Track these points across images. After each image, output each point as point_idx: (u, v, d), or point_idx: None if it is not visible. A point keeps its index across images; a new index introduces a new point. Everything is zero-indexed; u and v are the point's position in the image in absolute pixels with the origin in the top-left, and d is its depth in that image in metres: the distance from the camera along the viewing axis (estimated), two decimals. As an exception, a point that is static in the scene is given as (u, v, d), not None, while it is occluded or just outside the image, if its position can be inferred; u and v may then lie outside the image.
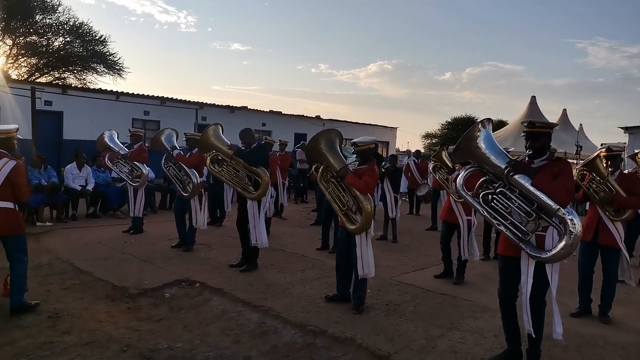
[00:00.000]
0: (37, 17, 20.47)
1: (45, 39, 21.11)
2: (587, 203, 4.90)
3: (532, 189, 3.18)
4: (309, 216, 10.63)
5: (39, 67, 21.25)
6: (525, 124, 3.47)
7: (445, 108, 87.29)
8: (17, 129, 4.49)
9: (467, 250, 5.80)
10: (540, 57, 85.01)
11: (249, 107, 20.21)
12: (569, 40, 79.48)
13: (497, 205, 3.37)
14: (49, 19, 20.78)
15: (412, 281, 5.76)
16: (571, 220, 3.09)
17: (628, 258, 4.87)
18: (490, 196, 3.39)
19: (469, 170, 3.57)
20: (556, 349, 3.81)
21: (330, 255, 6.68)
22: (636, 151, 6.52)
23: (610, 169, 4.65)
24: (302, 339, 4.01)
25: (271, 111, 21.47)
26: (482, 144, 3.39)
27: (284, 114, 21.88)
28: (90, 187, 9.17)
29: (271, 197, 6.99)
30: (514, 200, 3.29)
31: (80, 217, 9.02)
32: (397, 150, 26.80)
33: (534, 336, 3.36)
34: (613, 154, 4.68)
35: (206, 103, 18.48)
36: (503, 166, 3.29)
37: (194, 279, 5.43)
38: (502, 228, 3.35)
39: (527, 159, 3.46)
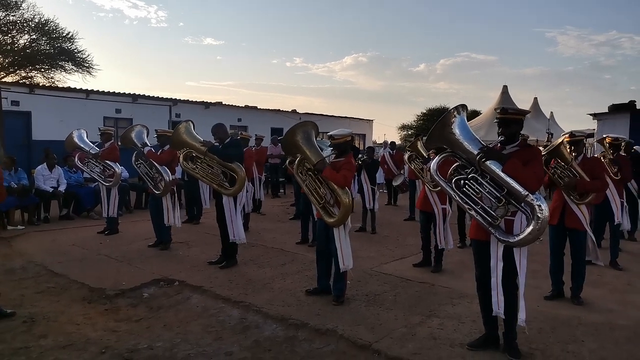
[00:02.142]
0: (0, 14, 19.78)
1: (10, 36, 20.29)
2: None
3: (502, 175, 3.26)
4: (287, 210, 10.62)
5: (4, 66, 20.43)
6: (498, 111, 3.55)
7: (420, 99, 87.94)
8: None
9: (443, 238, 5.89)
10: (512, 47, 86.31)
11: (224, 103, 20.03)
12: (539, 30, 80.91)
13: (469, 191, 3.44)
14: (12, 15, 19.97)
15: (391, 271, 5.82)
16: (539, 205, 3.19)
17: (594, 239, 5.05)
18: (462, 181, 3.47)
19: (443, 156, 3.63)
20: (532, 331, 3.90)
21: (310, 248, 6.70)
22: (604, 136, 6.73)
23: (573, 154, 4.78)
24: (284, 332, 4.02)
25: (247, 106, 21.32)
26: (456, 129, 3.44)
27: (260, 108, 21.76)
28: (62, 188, 8.95)
29: (247, 191, 6.95)
30: (485, 186, 3.37)
31: (53, 219, 8.81)
32: (374, 142, 26.95)
33: (503, 317, 3.46)
34: (576, 139, 4.82)
35: (180, 99, 18.25)
36: (476, 152, 3.35)
37: (173, 278, 5.38)
38: (472, 213, 3.43)
39: (499, 145, 3.53)
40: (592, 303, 4.73)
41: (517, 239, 3.30)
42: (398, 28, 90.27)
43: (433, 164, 3.67)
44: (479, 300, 3.71)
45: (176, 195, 6.99)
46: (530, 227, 3.23)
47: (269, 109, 22.11)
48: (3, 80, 18.50)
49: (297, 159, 4.77)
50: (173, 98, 18.01)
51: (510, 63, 79.85)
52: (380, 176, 10.79)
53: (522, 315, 3.44)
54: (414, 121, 35.54)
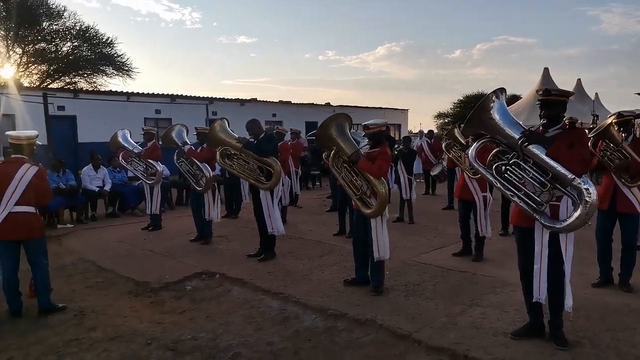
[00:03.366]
0: (44, 23, 20.67)
1: (54, 45, 21.31)
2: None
3: (546, 159, 3.13)
4: (324, 203, 10.64)
5: (49, 73, 21.46)
6: (541, 92, 3.42)
7: (457, 86, 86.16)
8: (37, 135, 4.58)
9: (484, 226, 5.75)
10: (552, 28, 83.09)
11: (258, 99, 20.23)
12: (581, 9, 77.41)
13: (511, 176, 3.33)
14: (55, 24, 20.96)
15: (430, 261, 5.74)
16: (587, 189, 3.05)
17: None
18: (503, 167, 3.36)
19: (482, 142, 3.53)
20: (580, 319, 3.78)
21: (348, 240, 6.68)
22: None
23: (623, 135, 4.55)
24: (323, 322, 4.04)
25: (281, 101, 21.46)
26: (495, 114, 3.33)
27: (294, 103, 21.86)
28: (107, 187, 9.28)
29: (282, 185, 7.00)
30: (528, 171, 3.26)
31: (100, 217, 9.17)
32: (410, 132, 26.58)
33: (543, 303, 3.36)
34: (625, 119, 4.56)
35: (216, 97, 18.54)
36: (517, 137, 3.24)
37: (214, 271, 5.49)
38: (515, 199, 3.33)
39: (541, 128, 3.41)
40: (643, 290, 4.51)
41: (564, 224, 3.17)
42: (431, 15, 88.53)
43: (471, 151, 3.58)
44: (523, 288, 3.61)
45: (217, 190, 7.14)
46: (578, 212, 3.09)
47: (302, 103, 22.17)
48: (49, 86, 19.38)
49: (332, 151, 4.77)
50: (209, 97, 18.34)
51: (551, 45, 76.96)
52: (417, 166, 10.64)
53: (569, 302, 3.33)
54: (451, 109, 34.96)
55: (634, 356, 3.24)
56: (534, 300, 3.39)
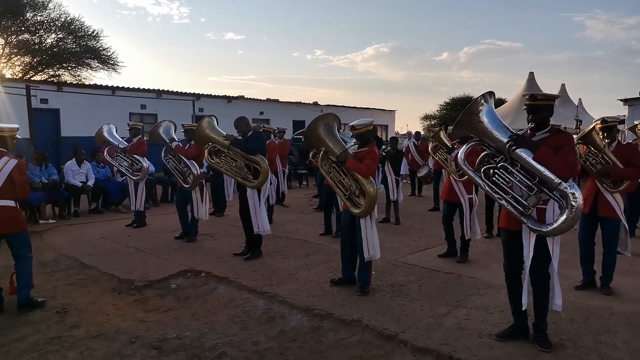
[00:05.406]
0: (28, 14, 20.24)
1: (38, 36, 20.88)
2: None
3: (534, 163, 3.16)
4: (310, 202, 10.64)
5: (32, 65, 21.03)
6: (527, 97, 3.45)
7: (444, 89, 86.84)
8: (18, 129, 4.49)
9: (469, 229, 5.80)
10: (538, 33, 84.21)
11: (245, 97, 20.13)
12: (566, 14, 78.57)
13: (499, 180, 3.35)
14: (39, 16, 20.53)
15: (416, 262, 5.77)
16: (572, 194, 3.08)
17: (627, 228, 4.85)
18: (491, 170, 3.38)
19: (470, 145, 3.54)
20: (562, 321, 3.83)
21: (334, 239, 6.70)
22: (635, 122, 6.50)
23: (606, 141, 4.62)
24: (309, 322, 4.03)
25: (268, 99, 21.38)
26: (484, 117, 3.35)
27: (282, 101, 21.81)
28: (90, 182, 9.16)
29: (271, 184, 6.98)
30: (516, 175, 3.28)
31: (83, 213, 9.04)
32: (397, 133, 26.70)
33: (523, 308, 3.40)
34: (608, 125, 4.64)
35: (203, 94, 18.40)
36: (505, 140, 3.26)
37: (199, 269, 5.45)
38: (503, 202, 3.35)
39: (528, 132, 3.44)
40: (625, 293, 4.60)
41: (550, 228, 3.21)
42: (420, 17, 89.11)
43: (460, 153, 3.59)
44: (508, 290, 3.64)
45: (204, 188, 7.09)
46: (564, 216, 3.13)
47: (290, 102, 22.13)
48: (32, 78, 19.00)
49: (321, 152, 4.76)
50: (196, 93, 18.18)
51: (536, 49, 77.99)
52: (404, 167, 10.68)
53: (558, 301, 3.38)
54: (437, 111, 35.07)
55: (616, 358, 3.29)
56: (523, 309, 3.42)
